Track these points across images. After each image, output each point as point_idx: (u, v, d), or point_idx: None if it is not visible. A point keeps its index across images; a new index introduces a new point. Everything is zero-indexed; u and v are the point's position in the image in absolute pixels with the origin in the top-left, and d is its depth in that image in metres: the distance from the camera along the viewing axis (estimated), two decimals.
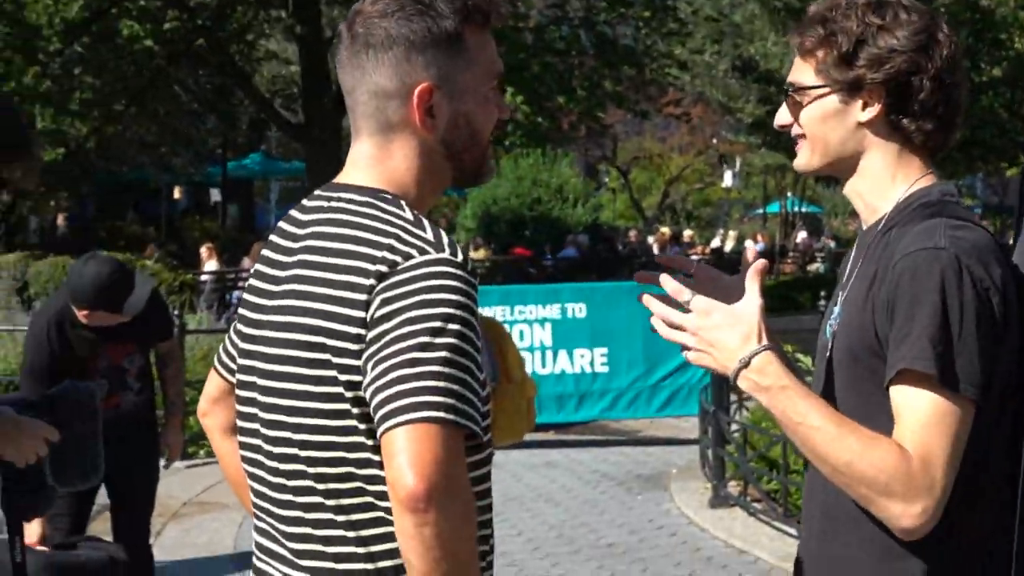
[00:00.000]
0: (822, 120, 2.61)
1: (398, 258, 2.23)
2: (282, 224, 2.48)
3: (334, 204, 2.38)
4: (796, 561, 2.74)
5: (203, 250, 24.84)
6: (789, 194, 47.71)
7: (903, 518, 2.33)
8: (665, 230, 40.06)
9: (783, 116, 2.67)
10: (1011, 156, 18.78)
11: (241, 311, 2.50)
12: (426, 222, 2.31)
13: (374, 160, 2.41)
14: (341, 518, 2.29)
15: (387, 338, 2.18)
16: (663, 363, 13.09)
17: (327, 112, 25.64)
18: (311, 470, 2.30)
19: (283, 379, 2.32)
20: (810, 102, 2.61)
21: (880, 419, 2.41)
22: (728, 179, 55.96)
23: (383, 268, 2.23)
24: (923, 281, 2.36)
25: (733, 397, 11.07)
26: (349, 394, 2.24)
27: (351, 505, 2.29)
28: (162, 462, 6.66)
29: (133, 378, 6.36)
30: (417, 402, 2.13)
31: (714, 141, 51.40)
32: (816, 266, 37.56)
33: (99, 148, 30.70)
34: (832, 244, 40.49)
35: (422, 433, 2.11)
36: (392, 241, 2.26)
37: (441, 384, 2.14)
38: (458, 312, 2.19)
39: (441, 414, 2.13)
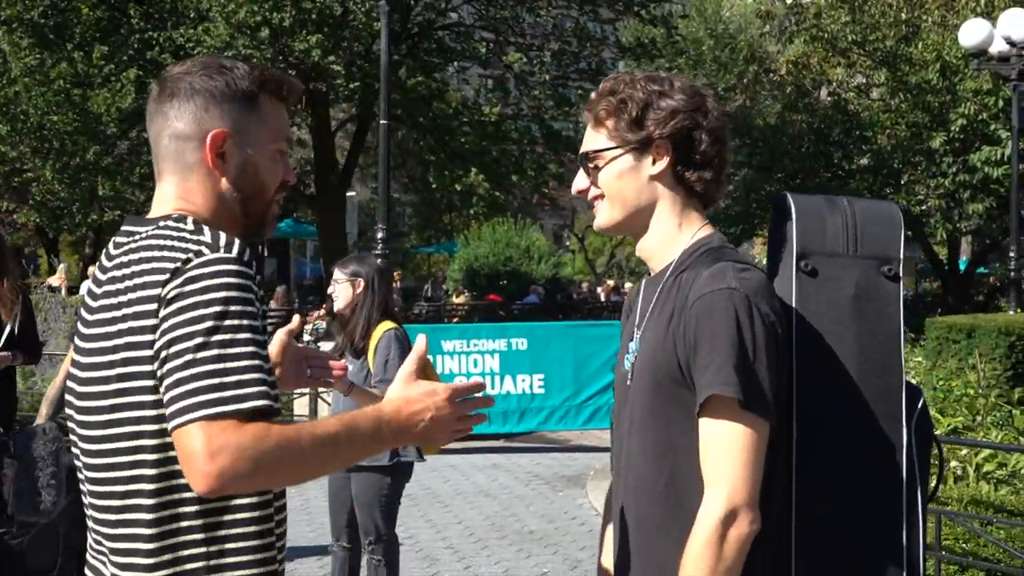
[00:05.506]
0: (619, 177, 2.42)
1: (178, 264, 1.96)
2: (102, 257, 2.19)
3: (135, 238, 2.09)
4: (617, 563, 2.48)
5: None
6: None
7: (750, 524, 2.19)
8: (610, 282, 40.02)
9: (580, 182, 2.49)
10: None
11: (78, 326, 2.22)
12: (206, 228, 2.04)
13: (175, 197, 2.14)
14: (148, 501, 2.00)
15: (169, 337, 1.92)
16: (588, 387, 12.90)
17: (333, 186, 25.43)
18: (112, 446, 2.02)
19: (93, 383, 2.04)
20: (606, 164, 2.42)
21: (673, 431, 2.29)
22: None
23: (166, 276, 1.96)
24: (720, 317, 2.20)
25: None
26: (149, 387, 1.97)
27: (152, 477, 2.00)
28: None
29: None
30: (188, 404, 1.88)
31: None
32: None
33: None
34: None
35: (195, 432, 1.86)
36: (174, 253, 1.99)
37: (214, 381, 1.88)
38: (231, 307, 1.92)
39: (210, 410, 1.86)
